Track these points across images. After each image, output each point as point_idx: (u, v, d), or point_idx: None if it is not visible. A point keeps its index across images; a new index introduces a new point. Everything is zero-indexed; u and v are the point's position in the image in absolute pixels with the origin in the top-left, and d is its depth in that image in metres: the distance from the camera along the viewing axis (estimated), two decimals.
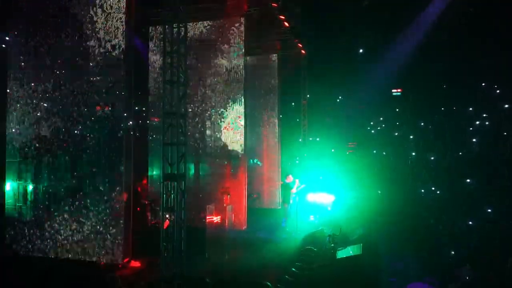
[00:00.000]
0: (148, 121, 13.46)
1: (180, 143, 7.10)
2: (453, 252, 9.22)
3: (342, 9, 16.38)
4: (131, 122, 8.96)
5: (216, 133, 12.06)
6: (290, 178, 12.42)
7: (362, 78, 19.87)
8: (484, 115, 18.32)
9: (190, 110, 11.69)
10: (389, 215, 13.98)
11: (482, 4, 14.63)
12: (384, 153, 21.02)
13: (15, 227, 9.32)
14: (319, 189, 13.31)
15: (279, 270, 8.47)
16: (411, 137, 20.98)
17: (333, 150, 21.27)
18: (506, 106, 17.00)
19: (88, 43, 9.15)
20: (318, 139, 20.48)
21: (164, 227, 7.24)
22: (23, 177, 9.44)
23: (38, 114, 9.47)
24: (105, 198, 8.81)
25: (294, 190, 12.14)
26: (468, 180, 17.11)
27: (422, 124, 20.78)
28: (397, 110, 21.43)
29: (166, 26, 7.20)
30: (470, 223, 12.03)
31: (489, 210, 13.10)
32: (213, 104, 11.98)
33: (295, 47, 15.23)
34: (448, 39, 17.15)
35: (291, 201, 12.19)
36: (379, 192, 17.63)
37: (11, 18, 9.68)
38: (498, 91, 17.33)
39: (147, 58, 12.86)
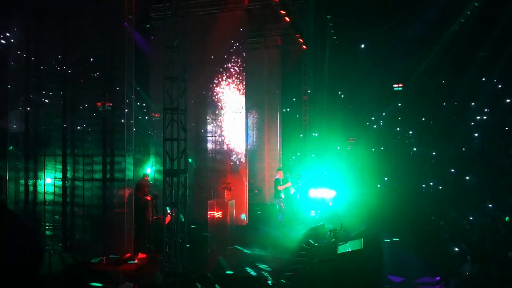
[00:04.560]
0: (147, 117, 13.46)
1: (181, 138, 7.09)
2: (456, 249, 9.21)
3: (344, 4, 16.32)
4: (132, 119, 8.94)
5: (217, 129, 12.03)
6: (280, 174, 12.43)
7: (363, 73, 19.81)
8: (486, 110, 18.27)
9: (190, 105, 11.65)
10: (391, 211, 14.01)
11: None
12: (382, 148, 21.00)
13: (18, 224, 9.35)
14: (320, 185, 13.30)
15: (281, 265, 8.50)
16: (411, 132, 20.96)
17: (338, 148, 21.27)
18: (508, 100, 16.94)
19: (88, 40, 9.13)
20: (316, 134, 20.47)
21: (166, 223, 7.26)
22: (24, 174, 9.46)
23: (39, 110, 9.47)
24: (107, 194, 8.84)
25: (280, 188, 12.09)
26: (467, 178, 17.11)
27: (424, 119, 20.75)
28: (400, 105, 21.39)
29: (166, 22, 7.17)
30: (471, 218, 12.03)
31: (490, 206, 13.10)
32: (214, 99, 11.95)
33: (296, 42, 15.17)
34: (451, 33, 17.07)
35: (282, 196, 12.23)
36: (379, 186, 17.64)
37: (12, 16, 9.64)
38: (500, 85, 17.26)
39: (148, 53, 12.83)
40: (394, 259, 9.65)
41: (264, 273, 7.88)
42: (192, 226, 10.22)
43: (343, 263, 7.48)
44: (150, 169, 12.54)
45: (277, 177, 12.44)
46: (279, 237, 10.86)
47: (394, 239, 10.92)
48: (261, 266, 8.42)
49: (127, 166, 8.63)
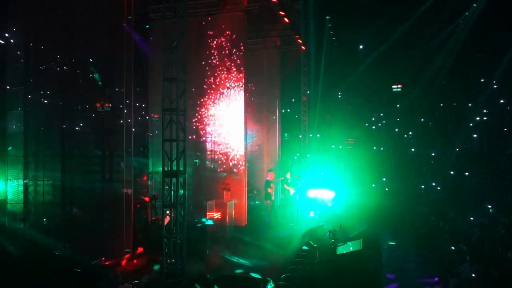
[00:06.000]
0: (147, 117, 13.46)
1: (180, 139, 7.09)
2: (453, 248, 9.22)
3: (343, 5, 16.33)
4: (131, 119, 8.94)
5: (216, 130, 12.04)
6: (271, 176, 12.44)
7: (362, 73, 19.83)
8: (485, 110, 18.31)
9: (189, 106, 11.65)
10: (390, 211, 14.01)
11: None
12: (382, 149, 21.03)
13: (16, 224, 9.34)
14: (320, 185, 13.30)
15: (280, 265, 8.49)
16: (410, 133, 21.00)
17: (340, 147, 21.28)
18: (502, 101, 16.98)
19: (87, 41, 9.13)
20: (317, 135, 20.47)
21: (165, 223, 7.25)
22: (24, 175, 9.45)
23: (38, 110, 9.47)
24: (106, 194, 8.83)
25: (271, 190, 12.17)
26: (466, 173, 17.13)
27: (423, 120, 20.79)
28: (398, 105, 21.43)
29: (165, 22, 7.17)
30: (472, 219, 12.04)
31: (489, 207, 13.12)
32: (213, 100, 11.95)
33: (295, 43, 15.19)
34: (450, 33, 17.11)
35: (272, 198, 12.28)
36: (374, 185, 17.64)
37: (11, 16, 9.63)
38: (496, 86, 17.29)
39: (147, 54, 12.83)
40: (394, 259, 9.66)
41: (263, 274, 7.88)
42: (191, 227, 10.20)
43: (343, 264, 7.47)
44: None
45: (267, 178, 12.42)
46: (279, 237, 10.86)
47: (390, 243, 10.92)
48: (261, 267, 8.42)
49: (126, 166, 8.63)
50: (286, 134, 18.14)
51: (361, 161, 19.95)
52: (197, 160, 12.07)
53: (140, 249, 9.14)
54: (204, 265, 8.48)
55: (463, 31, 16.63)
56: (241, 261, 8.96)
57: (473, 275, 7.79)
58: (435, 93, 19.38)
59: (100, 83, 8.90)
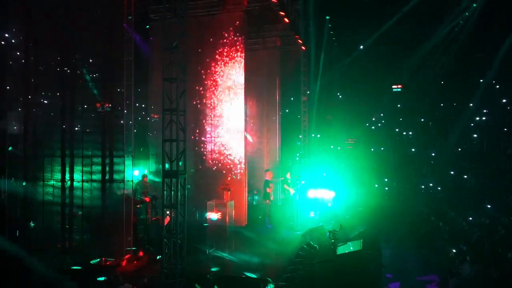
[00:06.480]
0: (148, 118, 13.46)
1: (180, 139, 7.09)
2: (454, 251, 9.22)
3: (343, 5, 16.34)
4: (131, 119, 8.94)
5: (216, 130, 12.03)
6: (269, 175, 12.43)
7: (363, 73, 19.84)
8: (485, 110, 18.32)
9: (189, 106, 11.63)
10: (390, 212, 14.02)
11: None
12: (382, 149, 21.04)
13: (16, 224, 9.34)
14: (320, 185, 13.29)
15: (280, 266, 8.49)
16: (410, 133, 21.01)
17: (339, 148, 21.29)
18: (504, 101, 16.98)
19: (87, 41, 9.13)
20: (318, 135, 20.47)
21: (165, 223, 7.25)
22: (24, 175, 9.44)
23: (38, 111, 9.46)
24: (106, 194, 8.82)
25: (269, 190, 12.18)
26: (465, 176, 17.14)
27: (422, 120, 20.80)
28: (399, 105, 21.45)
29: (166, 22, 7.17)
30: (470, 219, 12.05)
31: (489, 206, 13.13)
32: (213, 100, 11.95)
33: (295, 43, 15.19)
34: (450, 33, 17.12)
35: (271, 197, 12.27)
36: (376, 185, 17.63)
37: (11, 16, 9.63)
38: (499, 86, 17.30)
39: (147, 54, 12.83)
40: (394, 259, 9.66)
41: (263, 274, 7.88)
42: (191, 227, 10.20)
43: (343, 264, 7.47)
44: (147, 171, 12.51)
45: (266, 178, 12.40)
46: (279, 238, 10.86)
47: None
48: (261, 266, 8.41)
49: (126, 167, 8.63)
50: (299, 143, 17.90)
51: (361, 161, 19.95)
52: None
53: (140, 250, 9.13)
54: (204, 265, 8.48)
55: (463, 31, 16.64)
56: (234, 259, 8.97)
57: (473, 275, 7.79)
58: (435, 93, 19.38)
59: (90, 84, 8.90)
